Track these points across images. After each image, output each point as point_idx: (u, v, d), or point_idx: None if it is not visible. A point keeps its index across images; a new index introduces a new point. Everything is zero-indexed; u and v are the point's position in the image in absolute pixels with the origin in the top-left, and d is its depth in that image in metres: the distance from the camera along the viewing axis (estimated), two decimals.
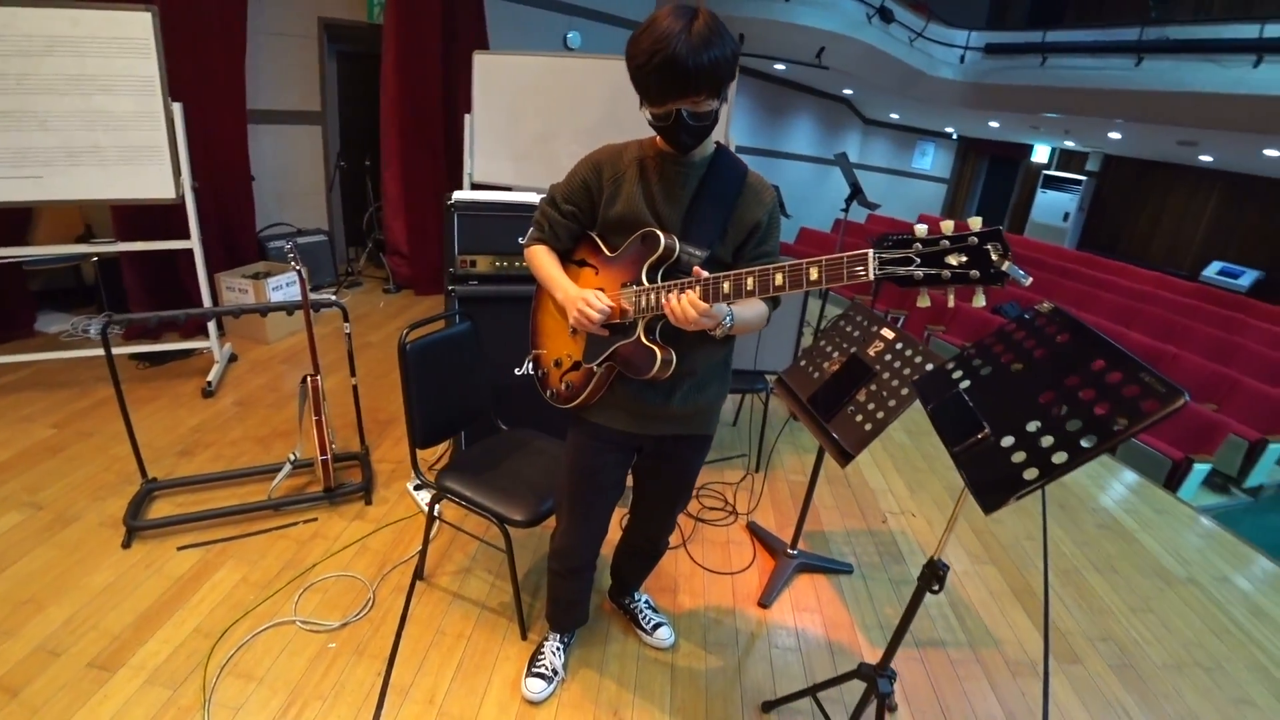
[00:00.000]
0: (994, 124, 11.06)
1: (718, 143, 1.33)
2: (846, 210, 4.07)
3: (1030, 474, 1.06)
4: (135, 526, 2.13)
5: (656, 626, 1.98)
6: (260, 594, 1.97)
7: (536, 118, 4.02)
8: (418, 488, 2.59)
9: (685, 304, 1.16)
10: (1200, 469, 4.57)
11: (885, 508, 2.94)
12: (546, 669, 1.76)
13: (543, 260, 1.41)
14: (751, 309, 1.28)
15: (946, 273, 0.96)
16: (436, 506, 1.99)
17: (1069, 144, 11.80)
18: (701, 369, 1.41)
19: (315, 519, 2.34)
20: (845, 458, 1.92)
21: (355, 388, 2.62)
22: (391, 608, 1.99)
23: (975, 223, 0.96)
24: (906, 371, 2.02)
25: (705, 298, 1.16)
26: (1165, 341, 5.97)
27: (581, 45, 7.09)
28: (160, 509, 2.31)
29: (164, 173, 2.77)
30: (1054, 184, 12.23)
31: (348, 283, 5.39)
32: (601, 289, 1.33)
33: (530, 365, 1.60)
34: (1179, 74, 7.22)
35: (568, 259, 1.43)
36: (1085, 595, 2.51)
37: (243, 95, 4.16)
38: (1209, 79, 6.93)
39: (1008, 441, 1.13)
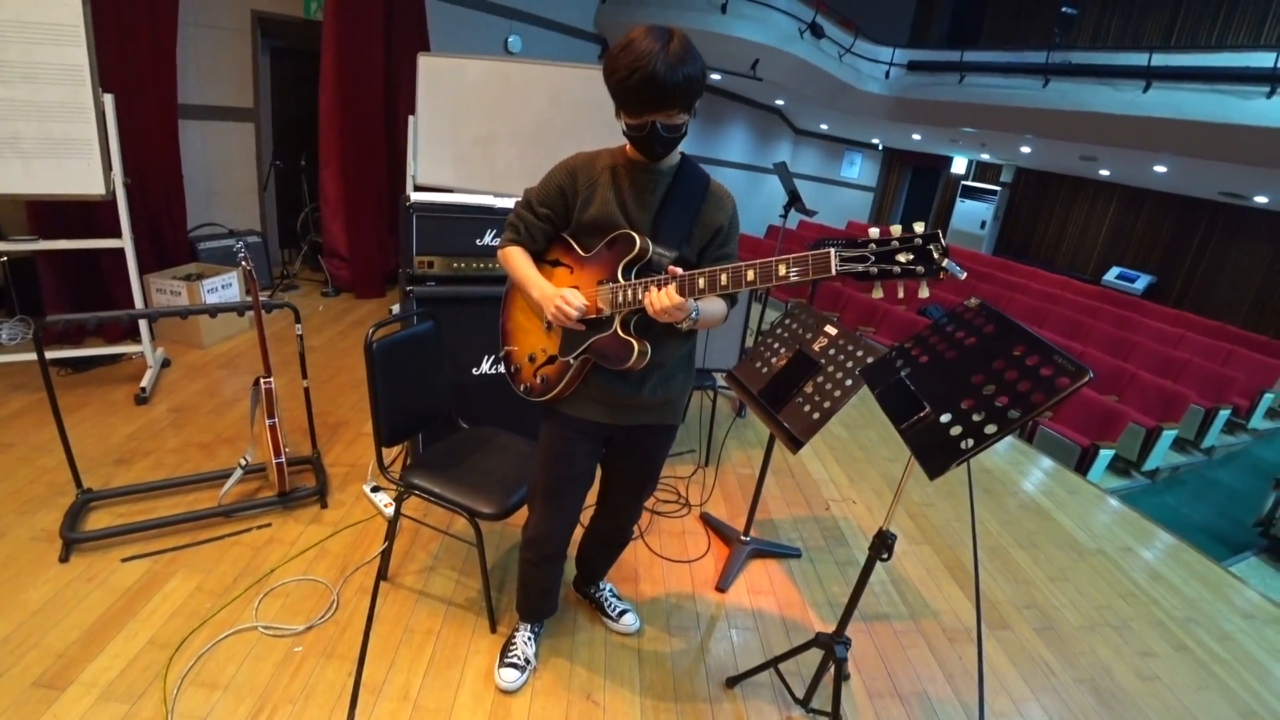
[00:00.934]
0: (917, 136, 11.75)
1: (683, 153, 1.44)
2: (785, 216, 4.27)
3: (967, 444, 1.22)
4: (73, 539, 2.02)
5: (622, 613, 2.05)
6: (217, 602, 1.91)
7: (478, 121, 4.02)
8: (375, 490, 2.56)
9: (663, 297, 1.27)
10: (1105, 454, 5.04)
11: (828, 496, 3.12)
12: (519, 658, 1.80)
13: (518, 260, 1.47)
14: (713, 305, 1.41)
15: (896, 268, 1.12)
16: (398, 506, 2.00)
17: (985, 156, 12.68)
18: (670, 361, 1.51)
19: (269, 524, 2.28)
20: (796, 444, 2.05)
21: (307, 390, 2.57)
22: (357, 609, 1.98)
23: (918, 227, 1.13)
24: (849, 364, 2.17)
25: (680, 292, 1.27)
26: (1072, 339, 6.54)
27: (522, 49, 7.10)
28: (99, 520, 2.19)
29: (93, 168, 2.61)
30: (971, 194, 13.10)
31: (283, 286, 5.19)
32: (576, 287, 1.41)
33: (501, 362, 1.64)
34: (1080, 95, 7.93)
35: (540, 259, 1.50)
36: (1010, 568, 2.75)
37: (173, 88, 3.96)
38: (1106, 101, 7.66)
39: (946, 418, 1.30)
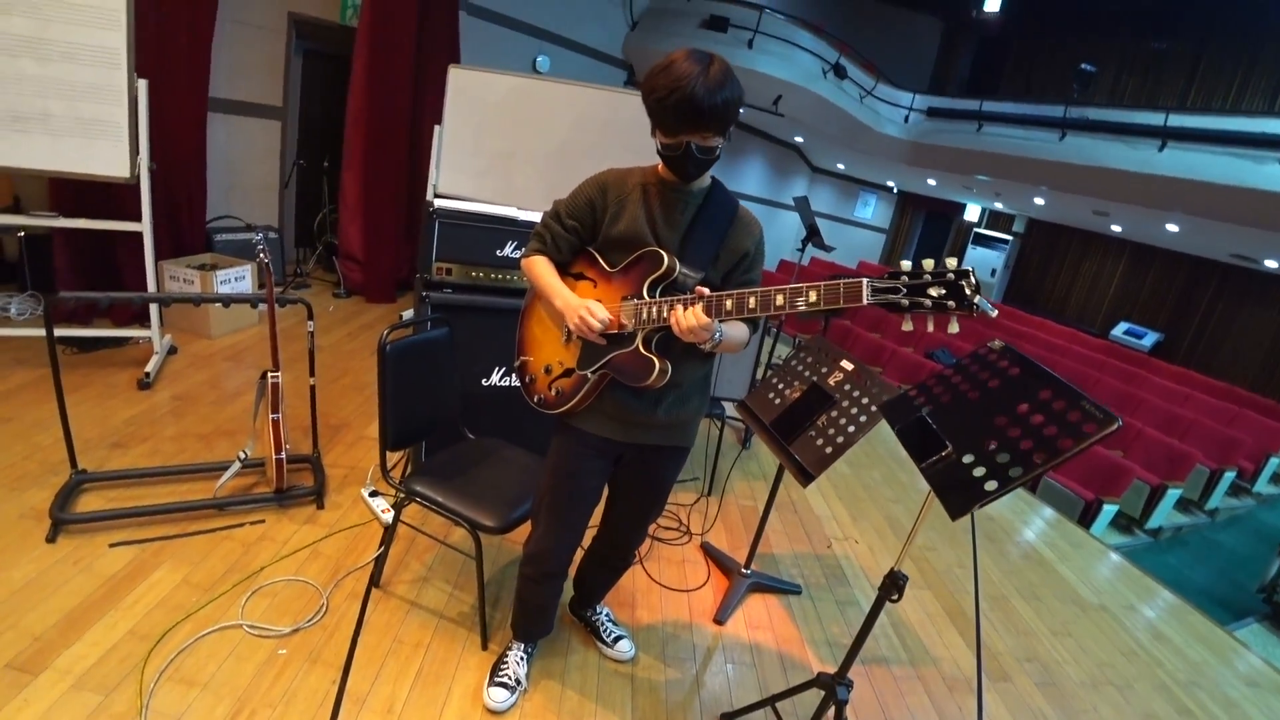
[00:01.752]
0: (932, 181, 11.86)
1: (714, 177, 1.44)
2: (803, 250, 4.27)
3: (990, 485, 1.18)
4: (62, 519, 1.98)
5: (618, 639, 1.99)
6: (203, 596, 1.86)
7: (501, 136, 4.05)
8: (373, 494, 2.52)
9: (689, 316, 1.26)
10: (1109, 509, 4.97)
11: (830, 533, 3.06)
12: (510, 678, 1.74)
13: (542, 270, 1.46)
14: (735, 330, 1.40)
15: (928, 301, 1.10)
16: (398, 512, 1.96)
17: (998, 205, 12.79)
18: (687, 382, 1.50)
19: (263, 521, 2.24)
20: (806, 477, 2.01)
21: (313, 389, 2.54)
22: (346, 614, 1.92)
23: (950, 263, 1.11)
24: (865, 400, 2.13)
25: (707, 313, 1.26)
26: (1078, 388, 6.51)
27: (550, 69, 7.21)
28: (90, 503, 2.15)
29: (120, 150, 2.62)
30: (983, 241, 13.19)
31: (296, 284, 5.20)
32: (599, 300, 1.40)
33: (513, 374, 1.63)
34: (1096, 150, 8.02)
35: (564, 272, 1.49)
36: (1012, 619, 2.68)
37: (205, 80, 4.02)
38: (1121, 157, 7.73)
39: (968, 458, 1.26)
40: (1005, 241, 12.88)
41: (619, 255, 1.40)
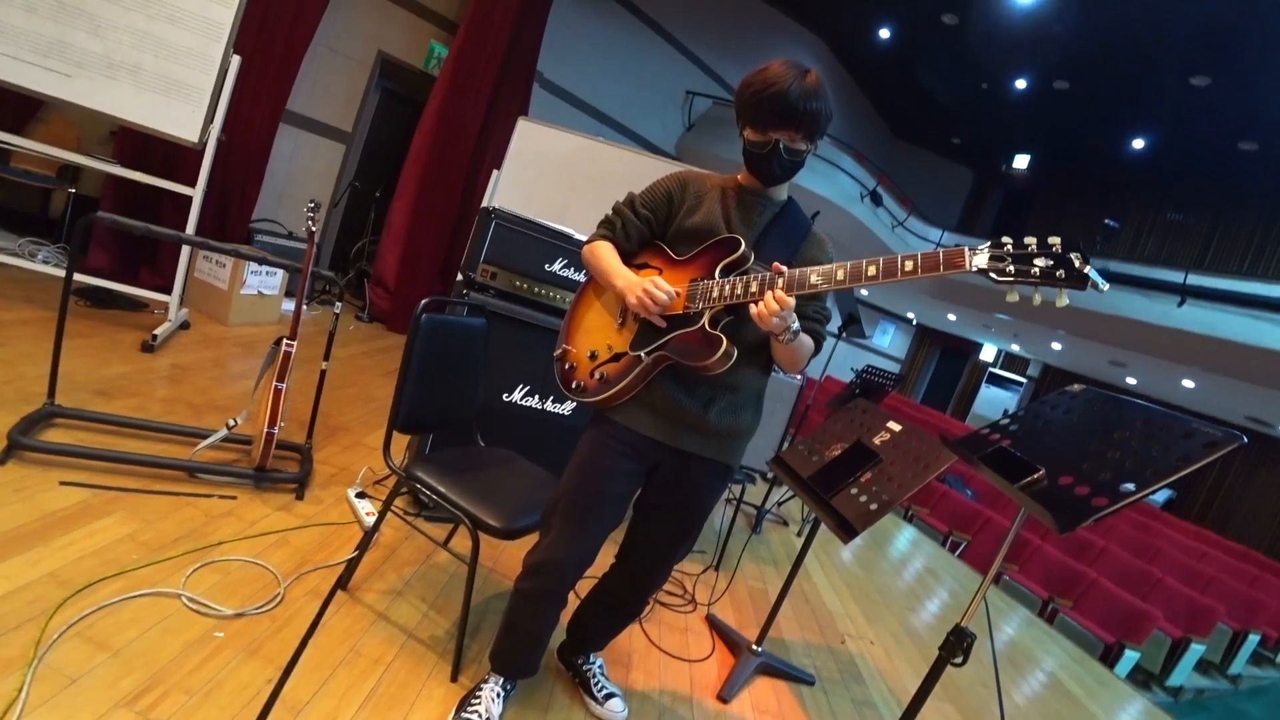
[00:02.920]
0: (952, 316, 12.05)
1: (790, 196, 1.43)
2: (840, 337, 4.19)
3: (1099, 501, 1.06)
4: (20, 443, 1.76)
5: (609, 696, 1.68)
6: (146, 556, 1.60)
7: (556, 190, 4.14)
8: (360, 495, 2.28)
9: (772, 300, 1.17)
10: (1130, 655, 4.53)
11: (843, 629, 2.76)
12: (481, 714, 1.44)
13: (604, 251, 1.41)
14: (804, 339, 1.34)
15: (1035, 270, 1.03)
16: (388, 504, 1.73)
17: (1015, 348, 12.90)
18: (744, 387, 1.39)
19: (234, 498, 2.00)
20: (849, 533, 1.80)
21: (324, 373, 2.38)
22: (302, 610, 1.65)
23: (1055, 240, 1.04)
24: (914, 460, 1.96)
25: (789, 289, 1.19)
26: (1091, 532, 6.17)
27: None
28: (56, 436, 1.94)
29: (196, 115, 2.64)
30: (997, 381, 13.18)
31: (321, 300, 5.16)
32: None
33: (553, 362, 1.51)
34: (1116, 301, 8.16)
35: (627, 261, 1.43)
36: None
37: (288, 88, 4.19)
38: (1141, 309, 7.85)
39: (1066, 480, 1.16)
40: (1020, 384, 12.87)
41: (689, 247, 1.36)
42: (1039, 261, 1.02)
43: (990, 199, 13.24)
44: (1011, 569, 4.77)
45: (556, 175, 4.13)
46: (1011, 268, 1.03)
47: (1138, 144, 9.88)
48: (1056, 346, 10.74)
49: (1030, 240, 1.04)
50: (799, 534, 3.87)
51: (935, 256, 1.08)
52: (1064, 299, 1.02)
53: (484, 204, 4.19)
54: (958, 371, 14.33)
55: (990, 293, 9.70)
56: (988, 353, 13.55)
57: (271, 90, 4.00)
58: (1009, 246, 1.04)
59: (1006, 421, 1.45)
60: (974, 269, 1.06)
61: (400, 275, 5.09)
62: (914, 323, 14.64)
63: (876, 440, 2.10)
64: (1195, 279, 7.56)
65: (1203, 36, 6.55)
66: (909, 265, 1.08)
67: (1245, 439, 1.03)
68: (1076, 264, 0.99)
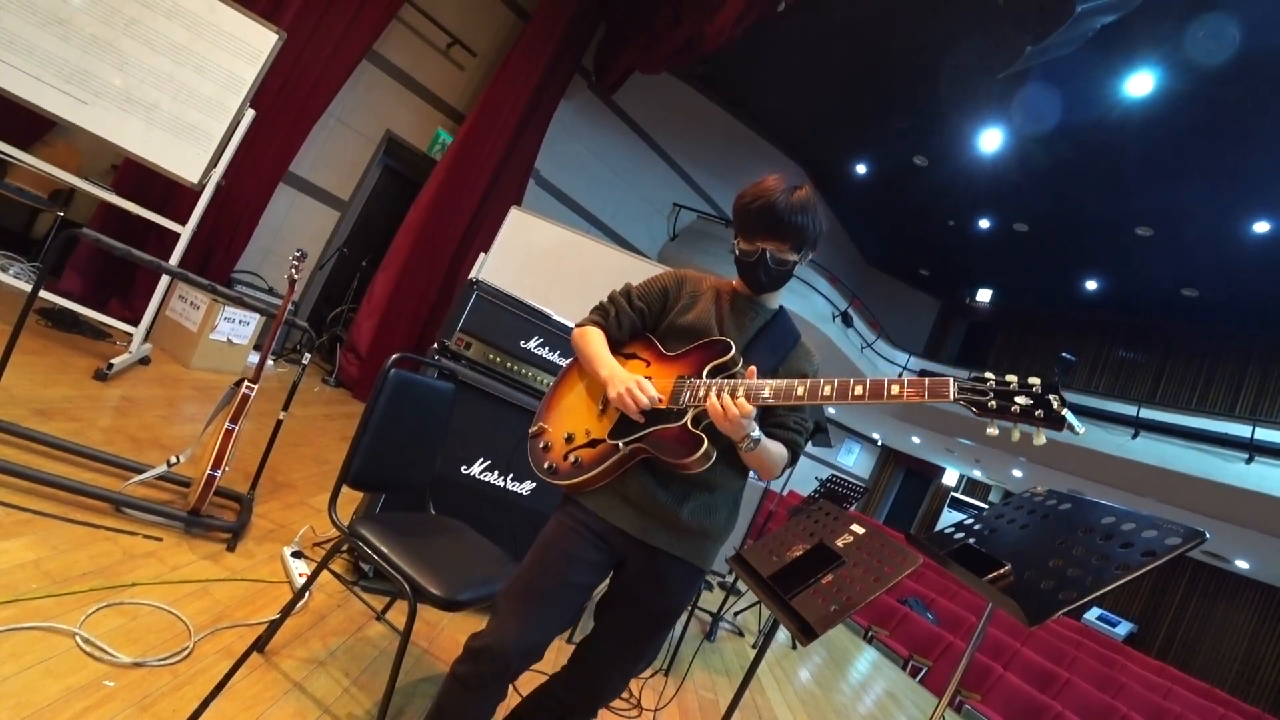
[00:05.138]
0: (916, 439, 12.27)
1: (781, 305, 1.48)
2: (807, 443, 4.23)
3: (1067, 595, 1.08)
4: None
5: None
6: (47, 586, 1.46)
7: (539, 278, 4.26)
8: (295, 555, 2.14)
9: (729, 403, 1.18)
10: None
11: None
12: None
13: (594, 338, 1.42)
14: (774, 447, 1.33)
15: (1016, 408, 1.04)
16: (324, 563, 1.63)
17: (976, 474, 13.06)
18: (719, 487, 1.36)
19: (160, 539, 1.86)
20: (808, 635, 1.72)
21: (279, 423, 2.30)
22: (209, 669, 1.49)
23: (1035, 380, 1.06)
24: (877, 563, 1.93)
25: (747, 398, 1.19)
26: (1057, 663, 6.00)
27: None
28: None
29: (201, 157, 2.73)
30: (959, 505, 13.24)
31: (289, 358, 5.08)
32: (650, 379, 1.34)
33: (527, 439, 1.48)
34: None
35: (616, 351, 1.44)
36: None
37: (294, 151, 4.37)
38: (1097, 440, 8.12)
39: (1029, 575, 1.18)
40: (981, 509, 12.91)
41: (680, 344, 1.38)
42: (1020, 399, 1.04)
43: (955, 328, 13.94)
44: (974, 698, 4.57)
45: (542, 265, 4.26)
46: (994, 403, 1.05)
47: (1090, 285, 10.64)
48: (1017, 474, 10.94)
49: (1011, 378, 1.06)
50: (754, 645, 3.69)
51: (921, 383, 1.09)
52: (1041, 438, 1.03)
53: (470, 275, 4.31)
54: (920, 494, 14.39)
55: (953, 417, 9.97)
56: (950, 477, 13.71)
57: (279, 148, 4.16)
58: (992, 382, 1.07)
59: (971, 521, 1.47)
60: (954, 398, 1.07)
61: (374, 344, 5.08)
62: (879, 443, 14.85)
63: (839, 542, 2.07)
64: (1148, 412, 7.92)
65: (1149, 191, 7.29)
66: (895, 389, 1.10)
67: (1209, 535, 1.05)
68: (1054, 405, 1.01)
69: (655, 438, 1.27)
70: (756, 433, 1.22)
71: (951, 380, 1.08)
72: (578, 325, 1.45)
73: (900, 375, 10.76)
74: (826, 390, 1.15)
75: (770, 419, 1.38)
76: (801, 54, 7.29)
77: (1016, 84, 6.20)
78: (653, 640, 1.41)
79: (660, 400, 1.29)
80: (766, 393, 1.19)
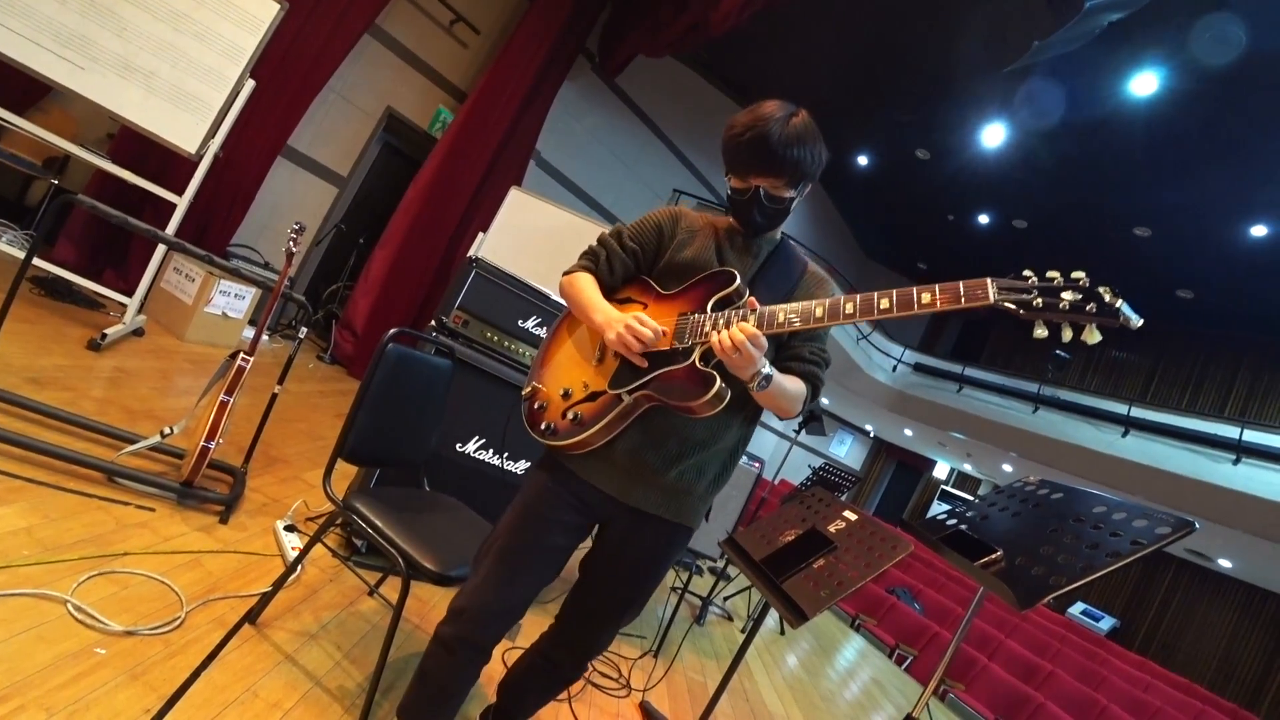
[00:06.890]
0: (908, 432, 12.35)
1: (784, 233, 1.38)
2: (799, 433, 4.24)
3: (1057, 580, 1.08)
4: None
5: None
6: (39, 554, 1.45)
7: (537, 259, 4.22)
8: (288, 529, 2.14)
9: (726, 333, 1.08)
10: None
11: None
12: None
13: (584, 284, 1.31)
14: (790, 383, 1.22)
15: (1064, 303, 0.96)
16: (316, 536, 1.63)
17: (967, 467, 13.17)
18: (718, 442, 1.28)
19: (153, 509, 1.86)
20: (800, 617, 1.74)
21: (274, 396, 2.29)
22: (201, 639, 1.50)
23: (1079, 274, 0.99)
24: (869, 549, 1.95)
25: (760, 327, 1.11)
26: (1040, 656, 6.09)
27: None
28: None
29: (199, 127, 2.69)
30: (949, 499, 13.34)
31: (284, 333, 5.05)
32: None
33: (522, 401, 1.41)
34: (1065, 427, 8.55)
35: (608, 296, 1.34)
36: None
37: (293, 125, 4.31)
38: (1088, 437, 8.23)
39: (1020, 560, 1.19)
40: (970, 503, 13.04)
41: (678, 282, 1.27)
42: (1066, 295, 0.96)
43: (951, 322, 13.98)
44: (958, 688, 4.64)
45: (540, 245, 4.22)
46: (1039, 300, 0.97)
47: None
48: (1008, 468, 11.03)
49: (1054, 274, 0.98)
50: (743, 630, 3.73)
51: (955, 288, 1.00)
52: (1095, 334, 0.95)
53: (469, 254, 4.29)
54: (911, 486, 14.51)
55: (945, 410, 10.03)
56: (941, 470, 13.82)
57: (278, 121, 4.10)
58: (1034, 280, 0.99)
59: (963, 508, 1.48)
60: (994, 299, 0.99)
61: (370, 322, 5.05)
62: (872, 435, 14.93)
63: (831, 528, 2.08)
64: (1139, 411, 8.00)
65: (1149, 191, 7.29)
66: (926, 297, 1.01)
67: (1198, 525, 1.05)
68: (1107, 298, 0.94)
69: (661, 381, 1.17)
70: (768, 369, 1.13)
71: (989, 280, 0.99)
72: (565, 273, 1.34)
73: (894, 369, 10.87)
74: (849, 308, 1.07)
75: (785, 351, 1.27)
76: (807, 42, 7.22)
77: (1021, 80, 6.17)
78: (637, 598, 1.37)
79: (664, 334, 1.19)
80: (782, 317, 1.10)
